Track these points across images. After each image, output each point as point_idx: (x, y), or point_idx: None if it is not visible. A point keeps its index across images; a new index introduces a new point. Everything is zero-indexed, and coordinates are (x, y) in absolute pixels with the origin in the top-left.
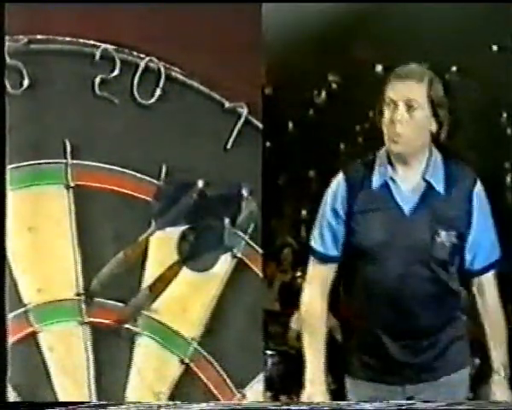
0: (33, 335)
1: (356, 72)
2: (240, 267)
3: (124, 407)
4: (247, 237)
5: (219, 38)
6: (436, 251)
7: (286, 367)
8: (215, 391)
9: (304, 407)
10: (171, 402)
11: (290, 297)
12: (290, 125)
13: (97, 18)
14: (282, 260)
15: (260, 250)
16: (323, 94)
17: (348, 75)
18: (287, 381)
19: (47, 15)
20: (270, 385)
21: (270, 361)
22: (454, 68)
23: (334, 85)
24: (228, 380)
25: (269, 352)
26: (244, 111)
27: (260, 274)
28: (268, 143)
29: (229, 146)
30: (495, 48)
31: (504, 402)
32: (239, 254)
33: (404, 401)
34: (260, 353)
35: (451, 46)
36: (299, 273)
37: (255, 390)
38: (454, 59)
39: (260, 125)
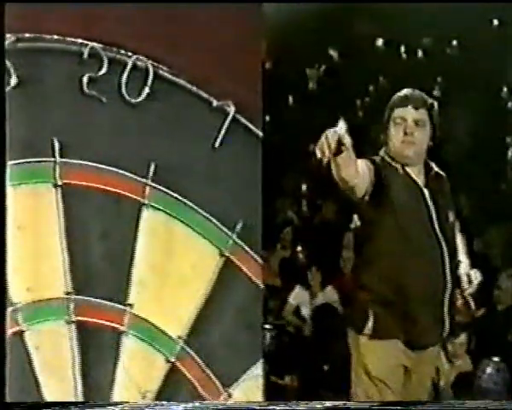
0: (20, 334)
1: (356, 46)
2: (227, 266)
3: (119, 407)
4: (234, 236)
5: (207, 36)
6: None
7: (284, 342)
8: (201, 390)
9: (290, 407)
10: (157, 402)
11: (290, 273)
12: (290, 99)
13: (85, 16)
14: (283, 236)
15: (250, 250)
16: (323, 68)
17: (348, 49)
18: (285, 355)
19: (35, 14)
20: (268, 360)
21: (268, 336)
22: (455, 42)
23: (334, 60)
24: (214, 379)
25: (267, 326)
26: (231, 109)
27: (248, 273)
28: (268, 118)
29: (217, 144)
30: (496, 22)
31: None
32: (227, 253)
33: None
34: (247, 351)
35: (452, 20)
36: (299, 248)
37: (241, 389)
38: (455, 33)
39: (258, 130)
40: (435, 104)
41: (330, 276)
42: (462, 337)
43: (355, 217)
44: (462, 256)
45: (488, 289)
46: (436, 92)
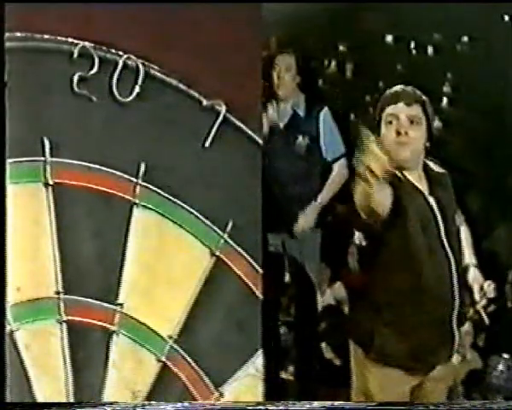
0: (10, 334)
1: (366, 42)
2: (218, 266)
3: (110, 407)
4: (225, 236)
5: (198, 35)
6: None
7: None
8: (192, 390)
9: (280, 407)
10: (147, 402)
11: None
12: None
13: (75, 15)
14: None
15: (241, 250)
16: (333, 64)
17: (358, 45)
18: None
19: (24, 13)
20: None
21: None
22: (465, 38)
23: (344, 56)
24: (205, 379)
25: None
26: (222, 109)
27: (239, 272)
28: None
29: (207, 144)
30: (507, 18)
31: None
32: (217, 253)
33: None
34: (238, 351)
35: (463, 16)
36: None
37: (233, 389)
38: (465, 29)
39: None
40: (427, 101)
41: (339, 272)
42: (467, 326)
43: (358, 234)
44: (470, 259)
45: (499, 285)
46: (446, 89)
